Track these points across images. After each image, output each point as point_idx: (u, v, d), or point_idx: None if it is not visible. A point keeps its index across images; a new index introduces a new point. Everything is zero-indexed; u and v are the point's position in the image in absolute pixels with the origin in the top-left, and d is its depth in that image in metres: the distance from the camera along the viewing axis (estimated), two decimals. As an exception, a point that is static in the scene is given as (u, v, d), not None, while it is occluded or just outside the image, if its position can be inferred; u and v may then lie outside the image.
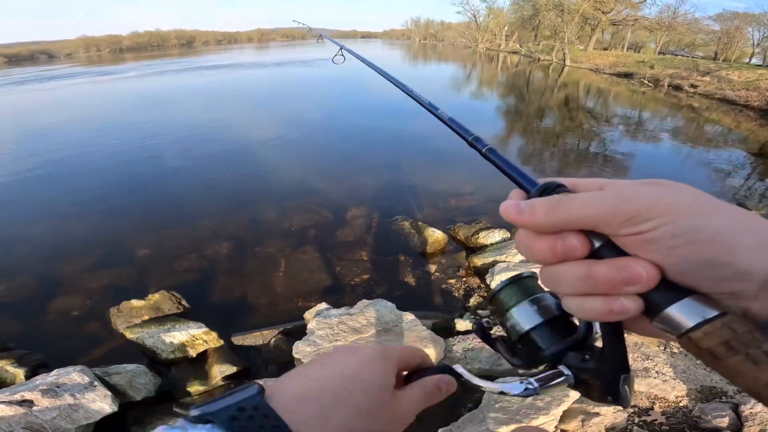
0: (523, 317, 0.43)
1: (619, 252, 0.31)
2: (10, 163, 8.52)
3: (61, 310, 4.02)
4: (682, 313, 0.29)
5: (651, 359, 2.89)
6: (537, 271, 0.43)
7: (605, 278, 0.31)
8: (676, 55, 36.80)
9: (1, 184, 7.28)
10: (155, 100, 16.67)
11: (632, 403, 2.57)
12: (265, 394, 0.34)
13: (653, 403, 2.55)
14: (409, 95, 0.78)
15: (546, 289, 0.43)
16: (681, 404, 2.53)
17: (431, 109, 0.65)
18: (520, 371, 0.44)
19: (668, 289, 0.30)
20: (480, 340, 0.48)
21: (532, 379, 0.41)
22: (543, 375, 0.41)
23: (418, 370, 0.48)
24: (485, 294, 4.05)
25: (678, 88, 22.72)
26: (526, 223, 0.34)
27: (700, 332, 0.28)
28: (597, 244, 0.32)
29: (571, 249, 0.33)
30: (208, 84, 22.42)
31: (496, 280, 3.94)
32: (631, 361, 0.38)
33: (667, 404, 2.54)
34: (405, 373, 0.48)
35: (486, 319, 0.50)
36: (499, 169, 0.43)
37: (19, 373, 3.01)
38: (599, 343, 0.39)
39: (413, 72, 30.29)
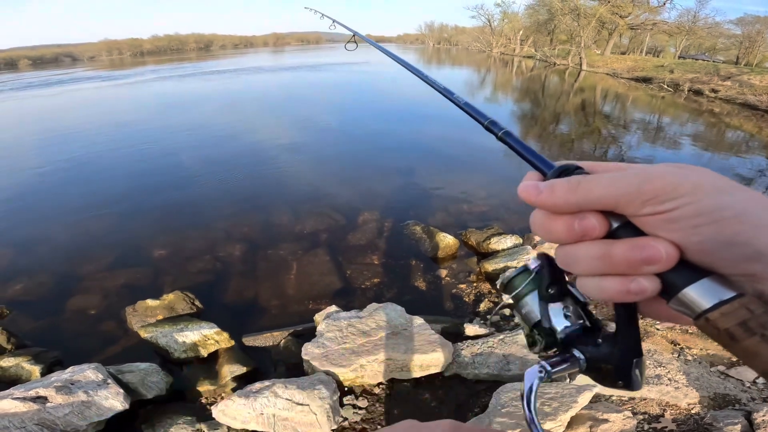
0: (538, 304, 0.42)
1: (637, 232, 0.32)
2: (32, 165, 8.76)
3: (78, 308, 4.11)
4: (700, 294, 0.29)
5: (664, 366, 2.83)
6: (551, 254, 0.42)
7: (624, 258, 0.31)
8: (697, 60, 36.09)
9: (23, 185, 7.50)
10: (173, 104, 16.99)
11: (642, 410, 2.52)
12: None
13: (664, 410, 2.51)
14: (424, 80, 0.77)
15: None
16: (693, 411, 2.48)
17: (446, 93, 0.64)
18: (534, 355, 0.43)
19: (686, 269, 0.30)
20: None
21: (544, 363, 0.40)
22: (555, 359, 0.40)
23: None
24: (496, 300, 4.02)
25: (698, 92, 22.28)
26: (545, 204, 0.34)
27: (718, 313, 0.28)
28: (615, 225, 0.33)
29: (589, 228, 0.33)
30: (224, 88, 22.74)
31: (507, 286, 3.90)
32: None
33: (678, 411, 2.49)
34: None
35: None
36: (516, 152, 0.43)
37: (35, 369, 3.08)
38: (612, 329, 0.39)
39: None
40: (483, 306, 3.95)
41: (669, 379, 2.72)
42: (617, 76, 30.89)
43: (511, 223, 5.50)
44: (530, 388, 0.40)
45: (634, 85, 26.91)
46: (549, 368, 0.40)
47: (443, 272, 4.58)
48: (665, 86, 24.55)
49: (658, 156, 10.08)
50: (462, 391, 2.93)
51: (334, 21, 2.18)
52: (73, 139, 10.81)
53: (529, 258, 0.44)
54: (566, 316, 0.41)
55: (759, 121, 15.49)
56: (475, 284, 4.36)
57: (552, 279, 0.42)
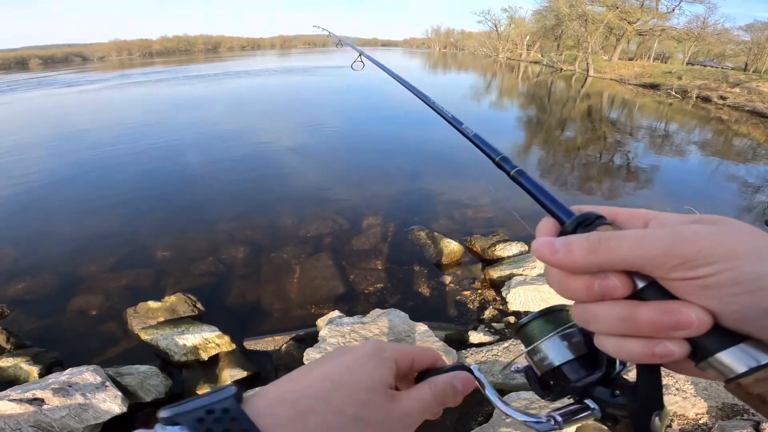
0: (553, 352, 0.40)
1: (665, 294, 0.29)
2: (38, 164, 8.80)
3: (80, 309, 4.09)
4: (733, 359, 0.27)
5: (672, 376, 2.78)
6: (567, 302, 0.41)
7: (650, 321, 0.29)
8: (705, 66, 35.92)
9: (29, 185, 7.52)
10: (179, 106, 17.07)
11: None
12: (244, 397, 0.32)
13: (671, 420, 2.47)
14: (431, 107, 0.74)
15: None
16: (700, 422, 2.44)
17: (454, 123, 0.60)
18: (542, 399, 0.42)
19: (718, 334, 0.28)
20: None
21: (555, 414, 0.38)
22: (568, 409, 0.39)
23: (429, 371, 0.44)
24: (500, 307, 3.97)
25: (706, 99, 22.17)
26: (563, 264, 0.32)
27: (751, 378, 0.27)
28: (640, 285, 0.30)
29: (610, 290, 0.30)
30: (231, 90, 22.85)
31: (512, 293, 3.86)
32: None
33: (686, 422, 2.46)
34: (416, 374, 0.45)
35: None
36: (530, 195, 0.39)
37: (33, 370, 3.06)
38: (627, 374, 0.37)
39: (432, 80, 30.34)
40: (487, 313, 3.90)
41: (677, 389, 2.68)
42: (624, 82, 30.81)
43: (516, 230, 5.45)
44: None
45: (641, 91, 26.81)
46: (560, 419, 0.38)
47: (447, 278, 4.53)
48: (673, 93, 24.44)
49: (665, 164, 9.98)
50: (465, 400, 2.87)
51: (340, 40, 2.17)
52: (77, 141, 10.87)
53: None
54: (582, 368, 0.39)
55: (767, 128, 15.37)
56: (479, 291, 4.30)
57: (568, 327, 0.41)
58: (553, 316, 0.42)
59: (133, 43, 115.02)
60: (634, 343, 0.30)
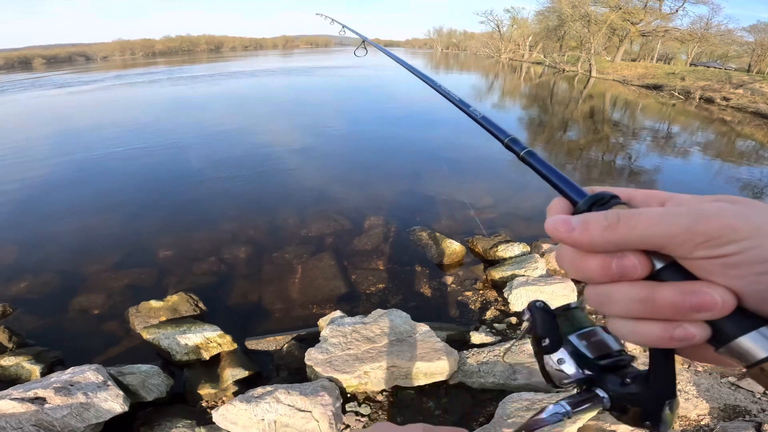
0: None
1: (685, 274, 0.28)
2: (41, 164, 8.83)
3: (82, 308, 4.10)
4: (756, 343, 0.26)
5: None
6: (584, 297, 0.40)
7: (670, 303, 0.28)
8: (708, 67, 35.78)
9: (31, 184, 7.55)
10: (181, 106, 17.10)
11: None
12: None
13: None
14: (437, 90, 0.73)
15: (595, 323, 0.40)
16: (702, 423, 2.44)
17: (462, 106, 0.59)
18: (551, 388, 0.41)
19: (742, 316, 0.27)
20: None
21: (563, 402, 0.38)
22: (576, 398, 0.38)
23: None
24: (502, 308, 3.96)
25: (710, 100, 22.09)
26: (579, 243, 0.30)
27: None
28: (659, 265, 0.29)
29: (629, 269, 0.29)
30: (232, 90, 22.87)
31: (514, 294, 3.85)
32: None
33: (688, 423, 2.46)
34: None
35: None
36: (541, 176, 0.38)
37: (35, 369, 3.07)
38: (637, 362, 0.37)
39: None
40: (489, 314, 3.89)
41: (679, 390, 2.65)
42: (627, 83, 30.72)
43: (518, 231, 5.44)
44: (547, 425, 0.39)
45: (644, 92, 26.73)
46: (569, 408, 0.38)
47: (449, 279, 4.53)
48: (676, 94, 24.36)
49: (667, 165, 9.96)
50: (467, 400, 2.87)
51: (343, 26, 2.17)
52: (75, 142, 10.89)
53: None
54: (588, 356, 0.39)
55: (771, 130, 15.30)
56: (481, 292, 4.30)
57: (545, 330, 0.41)
58: (570, 315, 0.42)
59: (136, 43, 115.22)
60: (652, 326, 0.29)
